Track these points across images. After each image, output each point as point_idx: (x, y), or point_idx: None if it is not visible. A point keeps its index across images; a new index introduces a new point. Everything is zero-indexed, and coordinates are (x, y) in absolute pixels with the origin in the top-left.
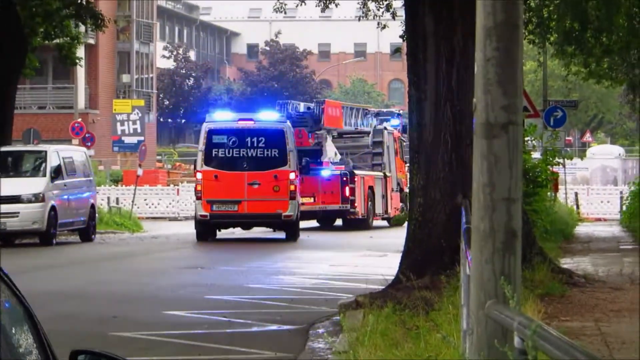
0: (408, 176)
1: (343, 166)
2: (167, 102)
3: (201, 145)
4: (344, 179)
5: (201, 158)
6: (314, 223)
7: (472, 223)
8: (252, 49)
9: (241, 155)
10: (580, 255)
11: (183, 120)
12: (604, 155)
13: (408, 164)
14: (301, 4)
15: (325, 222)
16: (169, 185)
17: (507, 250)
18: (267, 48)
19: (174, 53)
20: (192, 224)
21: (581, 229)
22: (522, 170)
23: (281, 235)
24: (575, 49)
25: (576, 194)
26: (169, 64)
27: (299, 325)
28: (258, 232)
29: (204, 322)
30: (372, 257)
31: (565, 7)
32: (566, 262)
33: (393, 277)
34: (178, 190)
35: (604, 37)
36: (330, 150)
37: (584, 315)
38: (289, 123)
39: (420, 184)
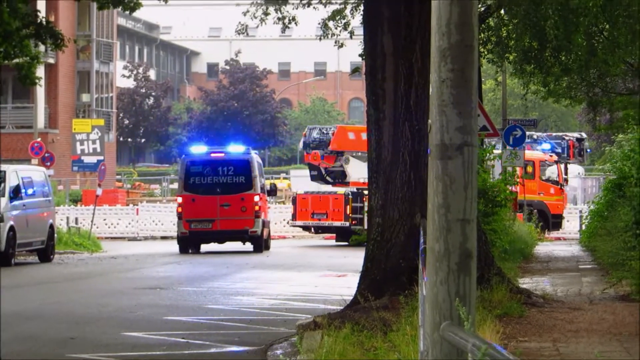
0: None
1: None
2: (127, 122)
3: (181, 174)
4: (348, 198)
5: (181, 185)
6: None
7: (427, 244)
8: (212, 68)
9: (214, 181)
10: (539, 275)
11: (143, 140)
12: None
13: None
14: (261, 25)
15: (342, 237)
16: (128, 205)
17: (462, 271)
18: (227, 67)
19: (134, 72)
20: (151, 243)
21: (541, 249)
22: (478, 190)
23: (249, 248)
24: (534, 68)
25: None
26: (129, 83)
27: (257, 346)
28: (230, 246)
29: (162, 343)
30: (332, 277)
31: (524, 26)
32: (525, 282)
33: (352, 298)
34: (137, 210)
35: (563, 56)
36: (356, 172)
37: (542, 336)
38: (253, 154)
39: (378, 203)
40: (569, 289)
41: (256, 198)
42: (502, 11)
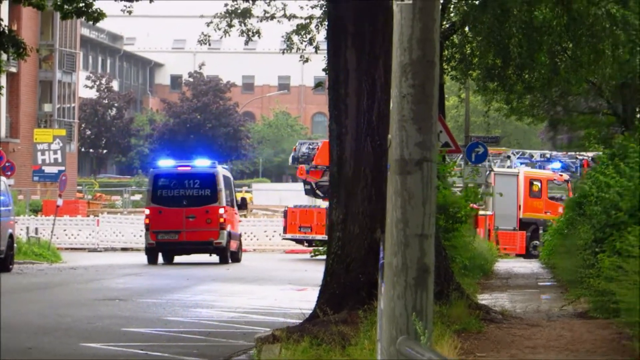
0: None
1: None
2: (88, 132)
3: (149, 187)
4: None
5: (149, 197)
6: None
7: (385, 259)
8: (175, 80)
9: (180, 194)
10: (498, 292)
11: (104, 151)
12: None
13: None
14: (225, 36)
15: None
16: (89, 216)
17: (419, 286)
18: (191, 79)
19: (97, 83)
20: (111, 254)
21: (501, 265)
22: (439, 206)
23: (216, 259)
24: (497, 85)
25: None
26: (92, 93)
27: (215, 359)
28: (200, 258)
29: (120, 355)
30: (292, 291)
31: (488, 44)
32: (484, 298)
33: (311, 312)
34: (98, 221)
35: (526, 74)
36: None
37: (500, 352)
38: (218, 168)
39: (339, 218)
40: (528, 305)
41: (221, 210)
42: (467, 28)
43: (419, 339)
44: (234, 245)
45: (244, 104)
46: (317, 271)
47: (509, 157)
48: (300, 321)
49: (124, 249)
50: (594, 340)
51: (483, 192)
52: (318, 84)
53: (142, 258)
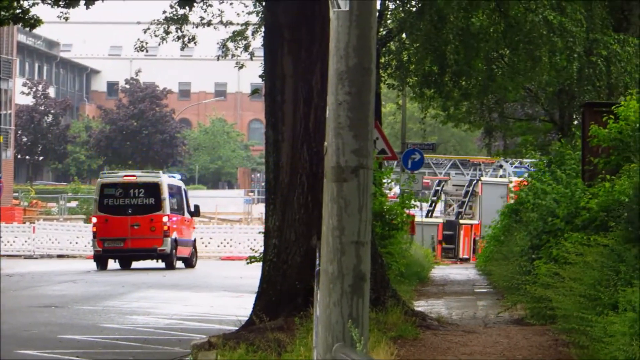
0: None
1: None
2: (25, 139)
3: (96, 196)
4: None
5: (96, 206)
6: None
7: (322, 266)
8: (112, 86)
9: (126, 203)
10: (434, 298)
11: (41, 158)
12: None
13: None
14: (162, 43)
15: None
16: (25, 222)
17: (355, 293)
18: (127, 86)
19: (34, 89)
20: (47, 261)
21: (437, 272)
22: (375, 213)
23: (162, 265)
24: (434, 92)
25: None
26: (28, 100)
27: None
28: (151, 264)
29: None
30: (228, 298)
31: (425, 51)
32: (420, 305)
33: (247, 318)
34: (34, 228)
35: (463, 81)
36: None
37: (437, 358)
38: (163, 177)
39: (275, 225)
40: (464, 312)
41: (165, 219)
42: (404, 35)
43: (355, 346)
44: (186, 251)
45: (181, 111)
46: (252, 278)
47: (501, 166)
48: (237, 328)
49: (60, 256)
50: (530, 346)
51: (420, 198)
52: (254, 91)
53: (79, 265)
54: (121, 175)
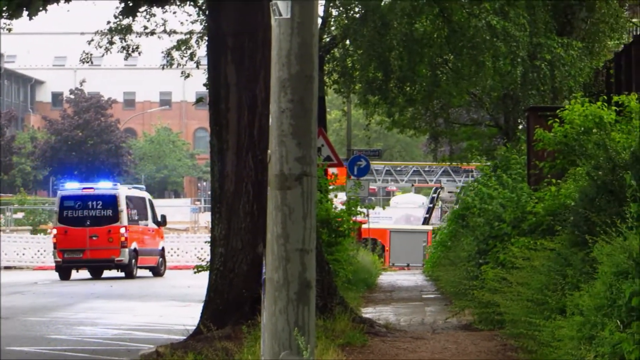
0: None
1: None
2: None
3: (56, 208)
4: None
5: (56, 218)
6: None
7: (267, 274)
8: (56, 97)
9: (84, 215)
10: (382, 305)
11: None
12: (408, 204)
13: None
14: (106, 53)
15: None
16: None
17: (301, 300)
18: (72, 96)
19: None
20: None
21: (385, 278)
22: (321, 220)
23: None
24: (379, 98)
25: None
26: None
27: None
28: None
29: None
30: (176, 307)
31: (369, 57)
32: (368, 312)
33: (195, 328)
34: None
35: (407, 87)
36: None
37: None
38: (120, 189)
39: (221, 233)
40: (412, 318)
41: (122, 230)
42: (347, 42)
43: (302, 354)
44: (151, 260)
45: (126, 121)
46: (200, 287)
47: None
48: (184, 337)
49: (7, 268)
50: (478, 352)
51: (366, 205)
52: (199, 100)
53: (25, 276)
54: (80, 187)
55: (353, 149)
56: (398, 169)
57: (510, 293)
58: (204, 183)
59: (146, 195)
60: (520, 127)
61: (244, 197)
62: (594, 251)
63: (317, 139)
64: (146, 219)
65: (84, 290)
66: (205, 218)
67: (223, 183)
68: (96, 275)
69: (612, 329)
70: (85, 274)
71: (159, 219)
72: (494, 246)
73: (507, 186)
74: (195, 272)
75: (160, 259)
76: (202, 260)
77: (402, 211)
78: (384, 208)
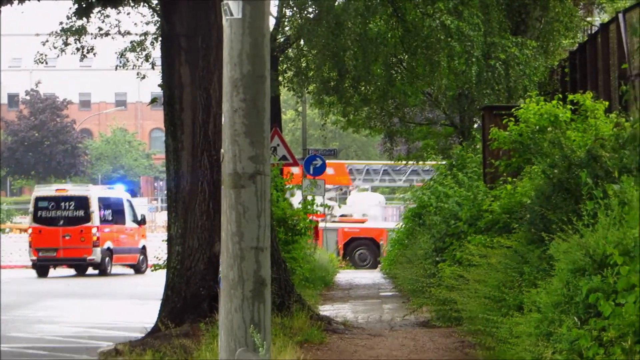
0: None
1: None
2: None
3: (31, 208)
4: None
5: (31, 218)
6: None
7: (222, 272)
8: (12, 98)
9: (58, 215)
10: (340, 302)
11: None
12: (365, 202)
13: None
14: (61, 54)
15: None
16: None
17: (256, 298)
18: (28, 97)
19: None
20: None
21: (342, 276)
22: (278, 219)
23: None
24: (334, 98)
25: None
26: None
27: None
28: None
29: None
30: (135, 305)
31: (323, 57)
32: (326, 310)
33: (153, 325)
34: None
35: (362, 86)
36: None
37: None
38: (92, 190)
39: (178, 232)
40: (370, 315)
41: (94, 230)
42: (302, 42)
43: (258, 351)
44: (130, 258)
45: (81, 121)
46: (159, 285)
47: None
48: (143, 335)
49: None
50: (436, 349)
51: (322, 204)
52: (153, 100)
53: None
54: (53, 188)
55: (309, 148)
56: (397, 168)
57: (468, 290)
58: (161, 182)
59: (125, 195)
60: (476, 126)
61: (199, 196)
62: (550, 248)
63: (272, 138)
64: (123, 218)
65: (45, 289)
66: (163, 217)
67: (179, 182)
68: (79, 272)
69: (570, 326)
70: (62, 271)
71: (139, 218)
72: (451, 244)
73: (463, 185)
74: (152, 271)
75: (142, 257)
76: (159, 259)
77: (359, 209)
78: (340, 206)
